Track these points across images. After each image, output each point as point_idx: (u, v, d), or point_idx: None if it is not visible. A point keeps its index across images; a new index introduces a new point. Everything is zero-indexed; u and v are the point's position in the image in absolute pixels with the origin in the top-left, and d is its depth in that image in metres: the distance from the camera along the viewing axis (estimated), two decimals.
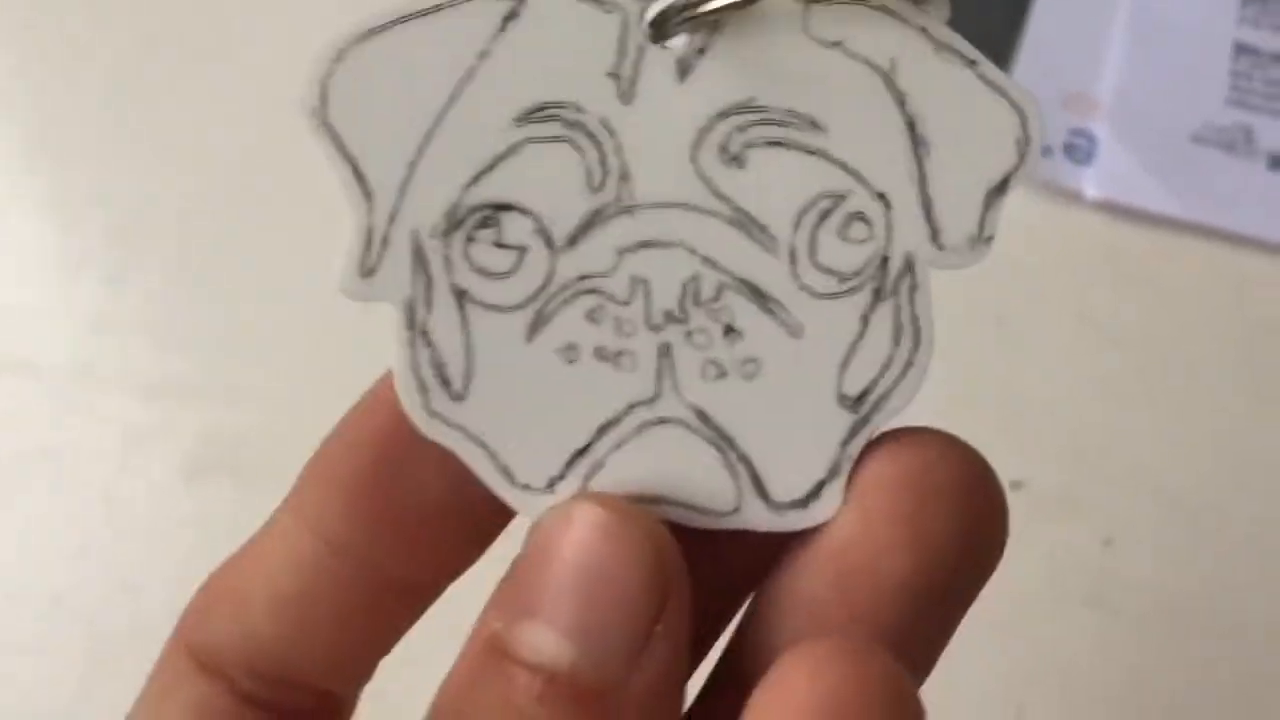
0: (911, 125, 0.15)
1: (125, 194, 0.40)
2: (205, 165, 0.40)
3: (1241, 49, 0.41)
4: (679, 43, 0.14)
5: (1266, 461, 0.34)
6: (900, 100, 0.14)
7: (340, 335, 0.37)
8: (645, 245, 0.14)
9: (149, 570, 0.33)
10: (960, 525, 0.15)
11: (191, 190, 0.40)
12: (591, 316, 0.14)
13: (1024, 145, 0.15)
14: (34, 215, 0.39)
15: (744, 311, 0.14)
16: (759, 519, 0.15)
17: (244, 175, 0.40)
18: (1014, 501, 0.35)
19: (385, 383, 0.16)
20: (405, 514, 0.16)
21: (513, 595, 0.14)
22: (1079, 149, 0.39)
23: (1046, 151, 0.39)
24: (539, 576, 0.13)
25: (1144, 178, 0.39)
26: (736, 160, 0.14)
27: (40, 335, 0.37)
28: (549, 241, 0.14)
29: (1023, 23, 0.42)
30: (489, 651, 0.14)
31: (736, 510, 0.15)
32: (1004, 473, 0.35)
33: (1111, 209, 0.39)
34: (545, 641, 0.13)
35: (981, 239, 0.15)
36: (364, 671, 0.18)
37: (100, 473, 0.34)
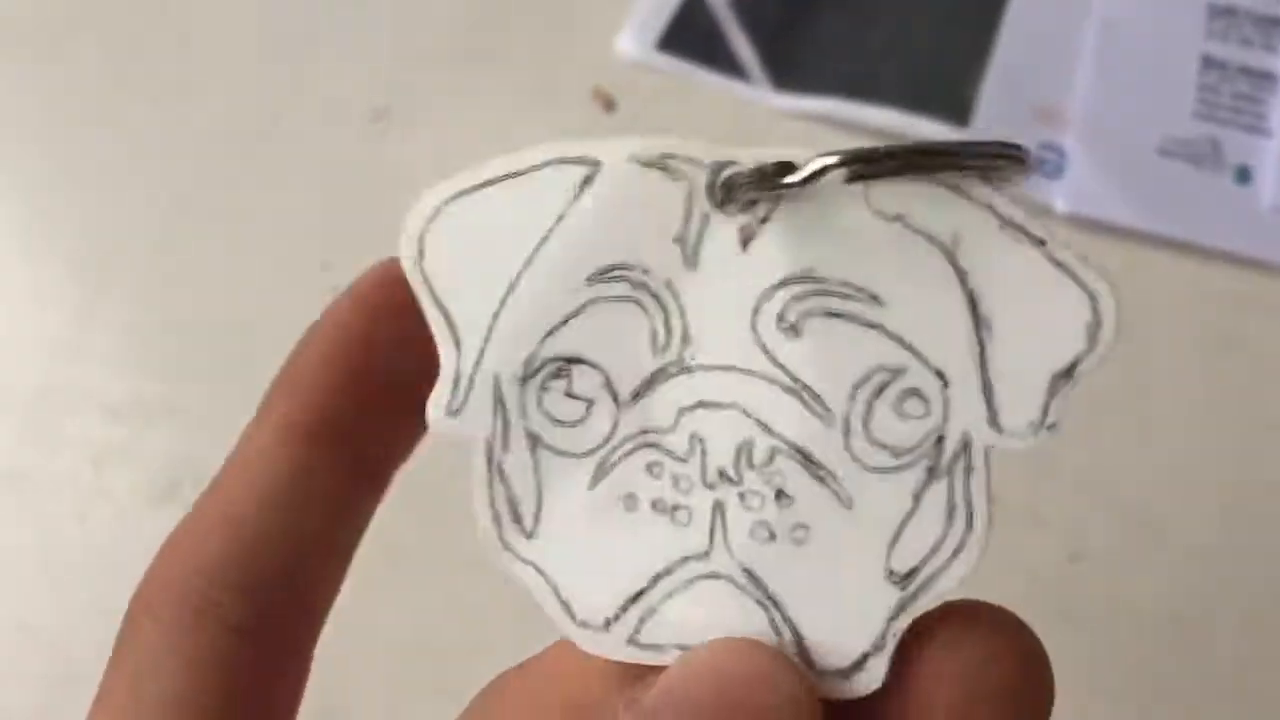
0: (974, 303, 0.14)
1: (94, 221, 0.40)
2: (173, 193, 0.40)
3: (1209, 62, 0.42)
4: (744, 211, 0.15)
5: (1232, 477, 0.34)
6: (962, 277, 0.14)
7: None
8: (703, 405, 0.15)
9: (119, 595, 0.33)
10: None
11: (159, 217, 0.40)
12: (651, 470, 0.15)
13: (1095, 330, 0.15)
14: (2, 242, 0.39)
15: (795, 478, 0.15)
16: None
17: (211, 203, 0.40)
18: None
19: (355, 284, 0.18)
20: (381, 389, 0.17)
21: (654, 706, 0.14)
22: (1049, 163, 0.40)
23: None
24: (683, 693, 0.14)
25: (1113, 191, 0.39)
26: (794, 329, 0.15)
27: (9, 360, 0.37)
28: (615, 396, 0.15)
29: (993, 37, 0.42)
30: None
31: None
32: None
33: (1080, 222, 0.39)
34: None
35: (1045, 425, 0.15)
36: (342, 569, 0.18)
37: (69, 497, 0.34)
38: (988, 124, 0.40)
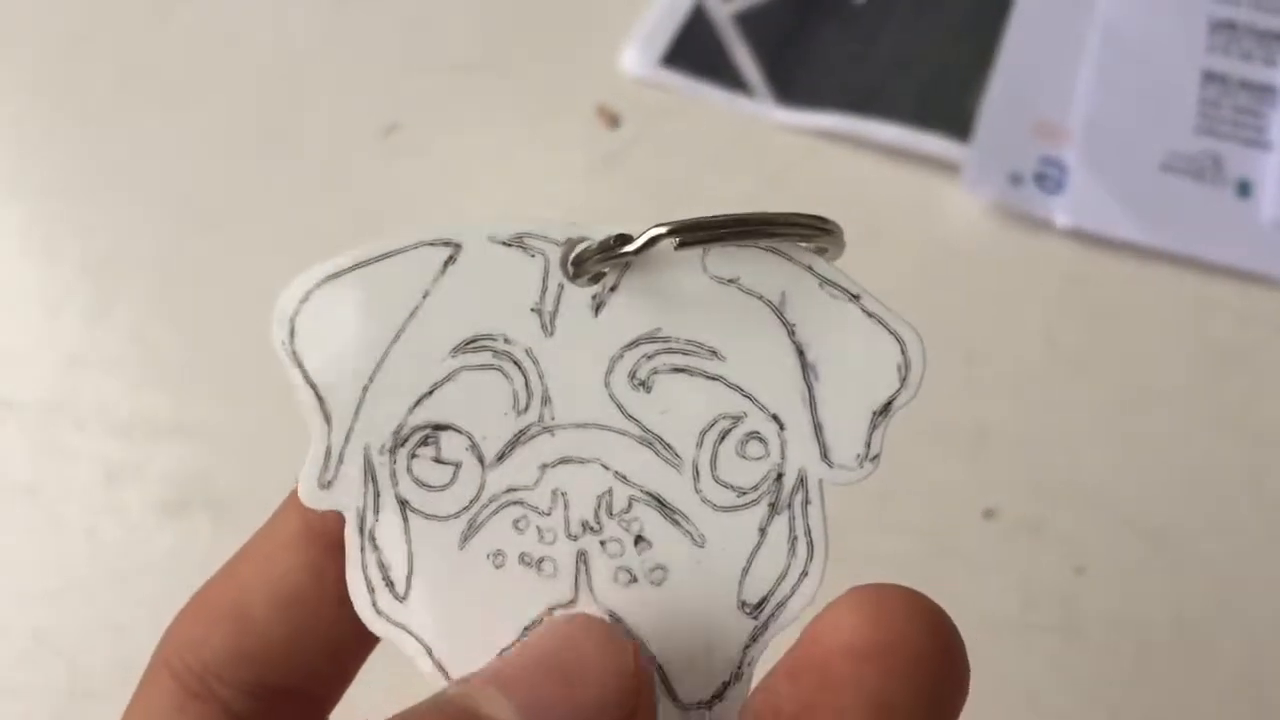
0: (801, 353, 0.16)
1: (104, 233, 0.40)
2: (184, 205, 0.41)
3: (1210, 77, 0.42)
4: (594, 282, 0.16)
5: (1234, 489, 0.35)
6: (790, 330, 0.16)
7: None
8: (564, 461, 0.16)
9: (129, 607, 0.33)
10: (923, 697, 0.15)
11: (171, 230, 0.40)
12: (517, 525, 0.16)
13: (905, 370, 0.16)
14: (13, 254, 0.40)
15: (652, 522, 0.16)
16: (668, 717, 0.15)
17: (222, 215, 0.40)
18: (986, 530, 0.36)
19: None
20: None
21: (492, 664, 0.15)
22: (1049, 178, 0.40)
23: (1018, 180, 0.40)
24: (518, 653, 0.15)
25: (1114, 206, 0.39)
26: (644, 385, 0.16)
27: (20, 373, 0.37)
28: (480, 458, 0.16)
29: (995, 52, 0.42)
30: (444, 707, 0.14)
31: None
32: (975, 501, 0.36)
33: (1081, 237, 0.39)
34: (497, 709, 0.14)
35: (869, 457, 0.16)
36: (354, 667, 0.19)
37: (80, 510, 0.35)
38: (989, 139, 0.40)
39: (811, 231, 0.16)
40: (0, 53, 0.45)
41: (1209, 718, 0.32)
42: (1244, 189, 0.40)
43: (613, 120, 0.42)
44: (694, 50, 0.43)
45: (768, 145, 0.42)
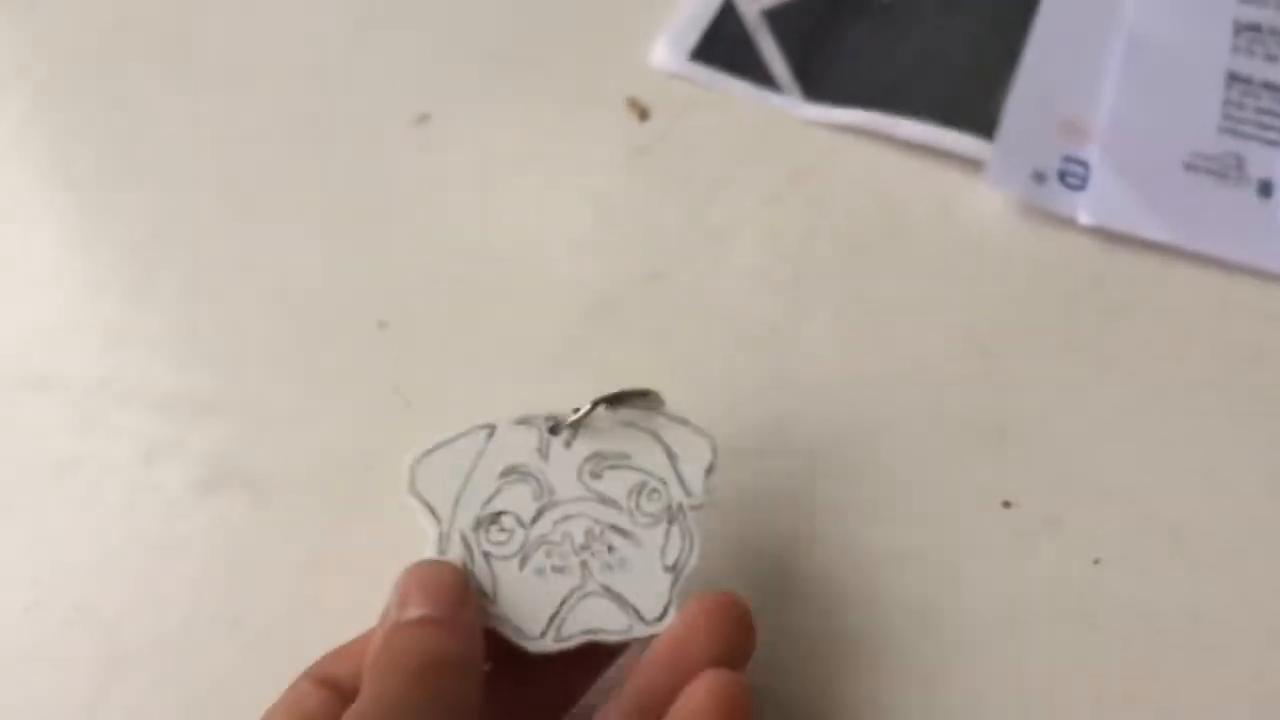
0: (669, 450, 0.32)
1: (146, 216, 0.41)
2: (223, 187, 0.42)
3: (1234, 78, 0.42)
4: (565, 432, 0.32)
5: (1251, 483, 0.35)
6: (662, 443, 0.32)
7: (355, 355, 0.38)
8: (566, 518, 0.31)
9: (168, 580, 0.34)
10: (738, 635, 0.29)
11: (211, 208, 0.41)
12: (548, 554, 0.31)
13: (715, 453, 0.32)
14: (58, 235, 0.41)
15: (615, 538, 0.31)
16: (641, 630, 0.30)
17: (259, 199, 0.41)
18: (1004, 520, 0.36)
19: None
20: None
21: (398, 599, 0.29)
22: (1073, 175, 0.40)
23: (1041, 178, 0.40)
24: (408, 589, 0.29)
25: (1136, 204, 0.40)
26: (597, 476, 0.31)
27: (64, 350, 0.38)
28: (522, 523, 0.31)
29: (1019, 51, 0.43)
30: (392, 624, 0.29)
31: (630, 628, 0.30)
32: (994, 493, 0.37)
33: (1104, 235, 0.40)
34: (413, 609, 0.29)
35: (706, 491, 0.32)
36: None
37: (121, 485, 0.36)
38: (1013, 136, 0.41)
39: (652, 399, 0.32)
40: (43, 41, 0.46)
41: (1223, 711, 0.32)
42: (1266, 189, 0.40)
43: (643, 113, 0.43)
44: (723, 45, 0.44)
45: (794, 140, 0.42)
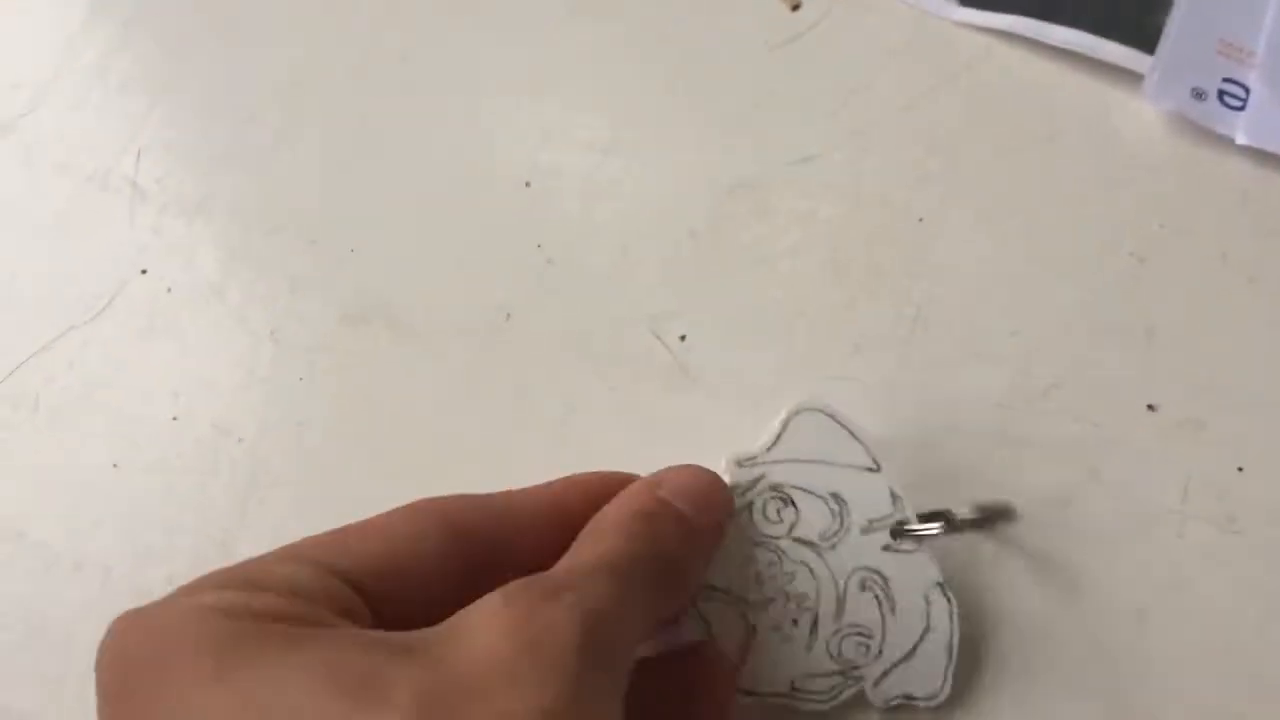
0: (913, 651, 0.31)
1: (292, 55, 0.41)
2: (368, 44, 0.41)
3: None
4: (899, 541, 0.31)
5: None
6: (927, 630, 0.31)
7: (501, 212, 0.38)
8: (811, 570, 0.30)
9: (308, 404, 0.35)
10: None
11: (353, 63, 0.41)
12: (769, 564, 0.30)
13: (935, 699, 0.31)
14: (210, 63, 0.41)
15: (804, 621, 0.30)
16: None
17: (417, 51, 0.41)
18: (1149, 422, 0.36)
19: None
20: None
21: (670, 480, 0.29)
22: (1232, 96, 0.40)
23: (1201, 95, 0.40)
24: (678, 479, 0.28)
25: None
26: (864, 588, 0.30)
27: (214, 179, 0.38)
28: (791, 532, 0.30)
29: None
30: (649, 487, 0.28)
31: (726, 663, 0.30)
32: (1140, 395, 0.36)
33: (1261, 156, 0.39)
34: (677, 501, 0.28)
35: (884, 704, 0.31)
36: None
37: (265, 313, 0.36)
38: (1174, 53, 0.40)
39: (1006, 513, 0.31)
40: None
41: None
42: None
43: (795, 3, 0.42)
44: None
45: (946, 42, 0.42)
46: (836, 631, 0.30)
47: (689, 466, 0.29)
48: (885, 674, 0.30)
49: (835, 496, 0.30)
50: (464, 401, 0.35)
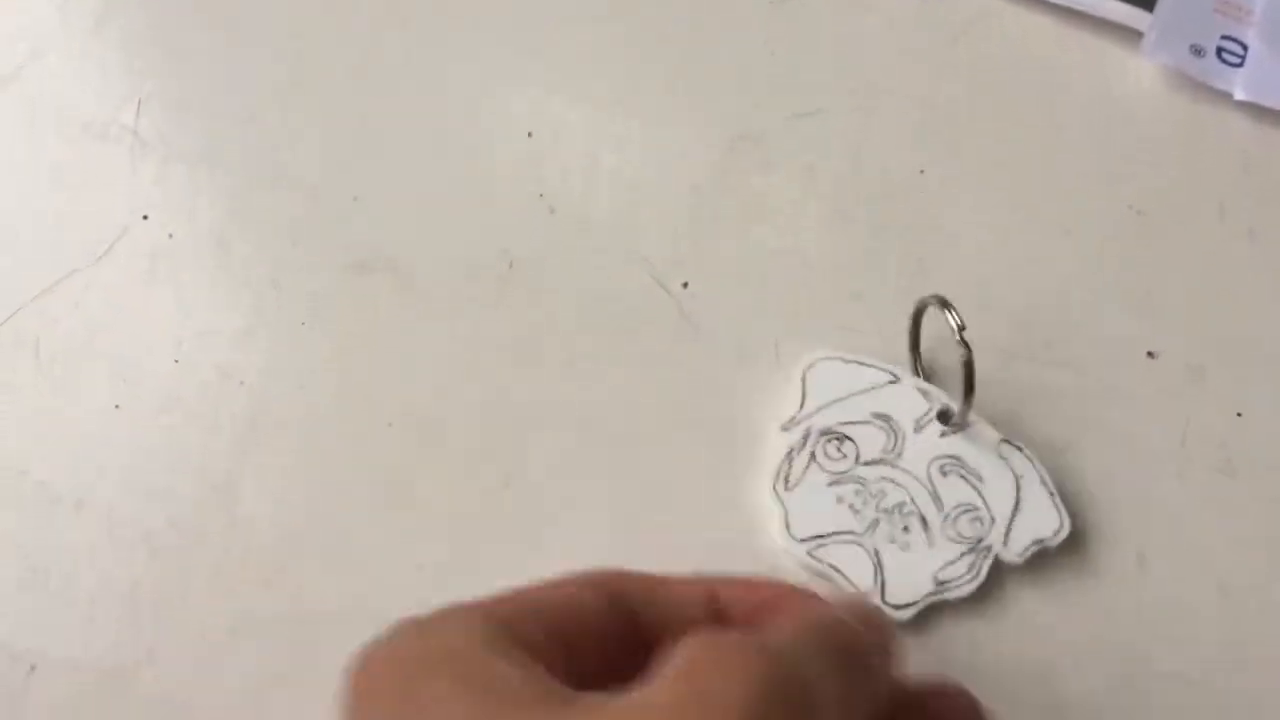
0: (1019, 501, 0.32)
1: (294, 7, 0.41)
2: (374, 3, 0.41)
3: None
4: (949, 427, 0.33)
5: None
6: (1019, 493, 0.32)
7: (502, 161, 0.38)
8: (892, 482, 0.32)
9: (311, 350, 0.35)
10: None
11: (357, 18, 0.41)
12: (856, 493, 0.32)
13: (1056, 536, 0.32)
14: (211, 13, 0.41)
15: (916, 525, 0.32)
16: (876, 602, 0.31)
17: (411, 16, 0.41)
18: (1149, 369, 0.36)
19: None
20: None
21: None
22: (1230, 53, 0.40)
23: (1200, 52, 0.40)
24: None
25: None
26: (945, 474, 0.32)
27: (219, 140, 0.38)
28: (857, 458, 0.32)
29: None
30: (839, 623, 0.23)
31: (869, 593, 0.31)
32: (1139, 343, 0.36)
33: (1257, 112, 0.39)
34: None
35: (1019, 556, 0.32)
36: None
37: (269, 263, 0.36)
38: (1172, 10, 0.40)
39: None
40: None
41: None
42: None
43: None
44: None
45: (947, 1, 0.42)
46: (945, 518, 0.31)
47: (850, 594, 0.30)
48: (1008, 532, 0.31)
49: (878, 415, 0.32)
50: (466, 349, 0.35)
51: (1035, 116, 0.40)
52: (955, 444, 0.32)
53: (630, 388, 0.35)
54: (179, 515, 0.33)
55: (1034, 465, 0.32)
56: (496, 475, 0.33)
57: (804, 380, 0.33)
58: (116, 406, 0.34)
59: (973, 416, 0.32)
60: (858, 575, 0.31)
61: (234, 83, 0.39)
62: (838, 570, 0.31)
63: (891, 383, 0.33)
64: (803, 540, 0.31)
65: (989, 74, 0.40)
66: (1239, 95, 0.39)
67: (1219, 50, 0.40)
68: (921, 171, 0.38)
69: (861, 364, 0.33)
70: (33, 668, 0.31)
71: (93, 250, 0.36)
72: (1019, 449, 0.32)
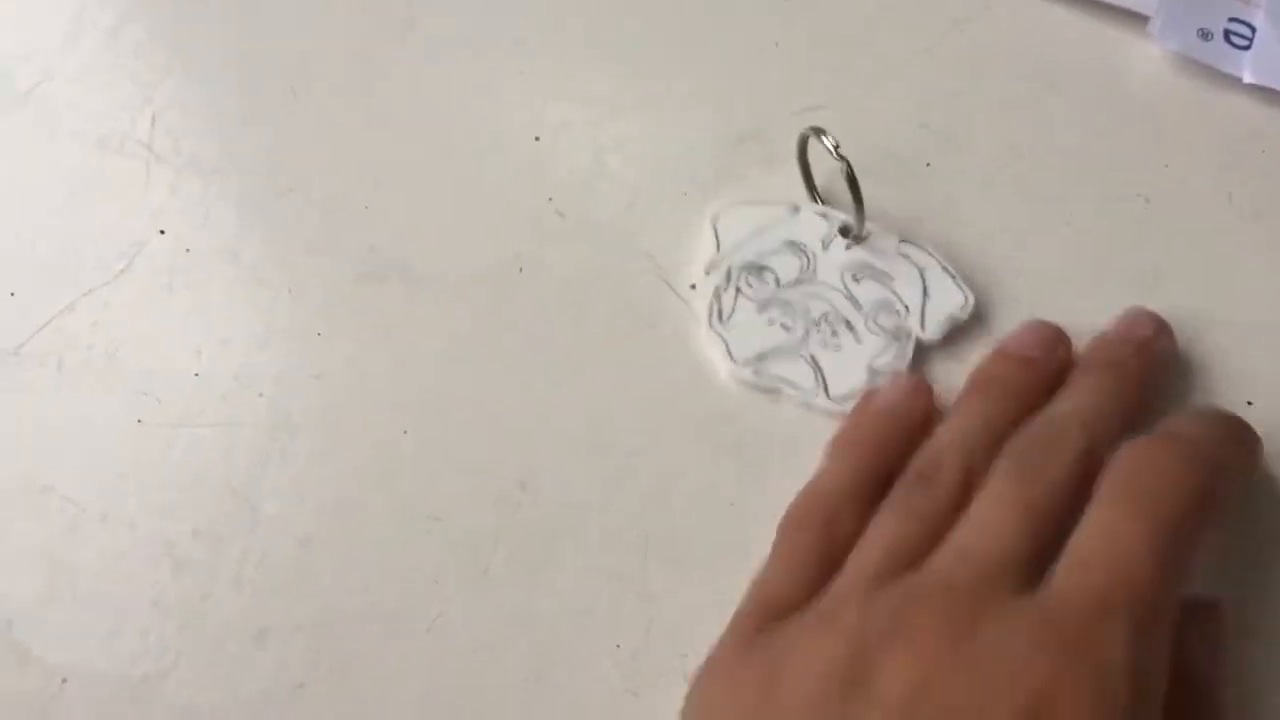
0: (926, 289, 0.36)
1: (304, 17, 0.41)
2: (377, 8, 0.42)
3: None
4: (850, 239, 0.36)
5: None
6: (924, 282, 0.36)
7: (511, 167, 0.39)
8: (813, 296, 0.36)
9: (327, 359, 0.35)
10: None
11: (364, 24, 0.41)
12: (784, 311, 0.35)
13: (964, 310, 0.36)
14: (222, 26, 0.41)
15: (842, 329, 0.35)
16: (823, 402, 0.35)
17: (412, 16, 0.41)
18: None
19: None
20: None
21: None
22: (1238, 35, 0.40)
23: (1207, 35, 0.40)
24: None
25: None
26: (857, 280, 0.36)
27: (233, 149, 0.39)
28: (778, 283, 0.36)
29: None
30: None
31: (815, 394, 0.35)
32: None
33: (1265, 95, 0.39)
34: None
35: (937, 335, 0.35)
36: None
37: (283, 272, 0.36)
38: None
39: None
40: None
41: None
42: None
43: None
44: None
45: None
46: (866, 317, 0.35)
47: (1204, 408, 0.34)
48: (923, 317, 0.35)
49: (788, 243, 0.36)
50: (478, 352, 0.35)
51: (1042, 102, 0.39)
52: (861, 253, 0.36)
53: (641, 384, 0.35)
54: (201, 525, 0.33)
55: (930, 254, 0.36)
56: (513, 479, 0.34)
57: (715, 228, 0.37)
58: (139, 420, 0.34)
59: (872, 226, 0.36)
60: (801, 380, 0.35)
61: (245, 95, 0.40)
62: (784, 379, 0.35)
63: (792, 212, 0.37)
64: (745, 363, 0.35)
65: (995, 60, 0.40)
66: (1247, 78, 0.39)
67: (1226, 33, 0.40)
68: (928, 164, 0.38)
69: (764, 204, 0.37)
70: (64, 681, 0.32)
71: (112, 266, 0.36)
72: (918, 245, 0.36)
